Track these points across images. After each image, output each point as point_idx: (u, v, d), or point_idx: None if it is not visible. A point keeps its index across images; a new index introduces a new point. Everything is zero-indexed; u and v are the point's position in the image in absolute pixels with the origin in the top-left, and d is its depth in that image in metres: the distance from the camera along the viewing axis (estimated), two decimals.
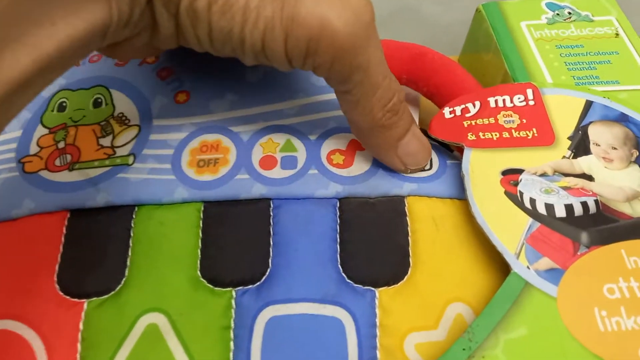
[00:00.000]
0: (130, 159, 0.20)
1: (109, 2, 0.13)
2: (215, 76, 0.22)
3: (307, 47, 0.16)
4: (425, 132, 0.22)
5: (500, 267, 0.18)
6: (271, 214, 0.19)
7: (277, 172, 0.20)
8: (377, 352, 0.17)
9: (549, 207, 0.18)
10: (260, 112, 0.21)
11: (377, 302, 0.18)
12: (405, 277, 0.18)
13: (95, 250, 0.19)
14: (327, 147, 0.21)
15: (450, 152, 0.22)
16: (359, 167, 0.20)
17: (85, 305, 0.18)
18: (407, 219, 0.19)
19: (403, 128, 0.19)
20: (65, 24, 0.12)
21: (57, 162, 0.20)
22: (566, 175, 0.19)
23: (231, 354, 0.17)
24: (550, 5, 0.26)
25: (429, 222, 0.19)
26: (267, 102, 0.21)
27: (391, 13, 0.52)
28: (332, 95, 0.22)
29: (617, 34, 0.24)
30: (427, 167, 0.20)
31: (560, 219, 0.18)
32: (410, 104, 0.27)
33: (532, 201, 0.18)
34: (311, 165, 0.20)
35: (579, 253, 0.17)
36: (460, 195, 0.20)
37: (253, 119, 0.21)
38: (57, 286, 0.18)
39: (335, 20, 0.15)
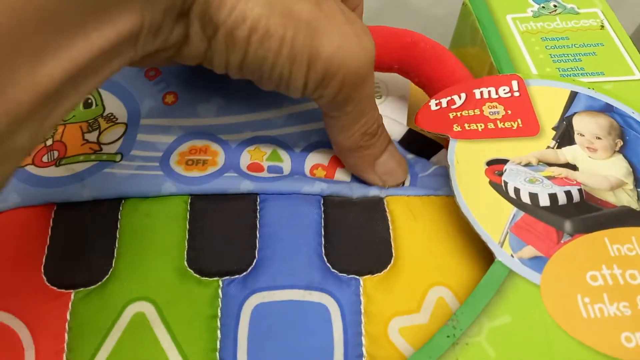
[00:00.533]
0: (118, 157, 0.20)
1: (141, 11, 0.13)
2: (200, 77, 0.22)
3: (323, 79, 0.17)
4: (411, 131, 0.22)
5: (483, 255, 0.18)
6: (258, 207, 0.19)
7: (264, 174, 0.20)
8: (363, 338, 0.17)
9: (533, 197, 0.18)
10: (248, 121, 0.21)
11: (361, 290, 0.18)
12: (389, 266, 0.18)
13: (81, 242, 0.19)
14: (310, 161, 0.21)
15: (439, 147, 0.22)
16: (340, 178, 0.20)
17: (72, 296, 0.18)
18: (387, 214, 0.19)
19: (380, 148, 0.20)
20: (97, 35, 0.12)
21: (45, 159, 0.20)
22: (550, 165, 0.19)
23: (218, 343, 0.17)
24: None
25: (408, 215, 0.19)
26: (253, 109, 0.22)
27: (381, 6, 0.52)
28: (315, 105, 0.22)
29: (602, 26, 0.24)
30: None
31: (544, 208, 0.18)
32: (399, 100, 0.28)
33: (517, 191, 0.18)
34: (296, 174, 0.20)
35: (562, 241, 0.17)
36: (435, 192, 0.20)
37: (241, 127, 0.21)
38: (44, 277, 0.18)
39: (354, 59, 0.16)
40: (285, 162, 0.20)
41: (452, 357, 0.15)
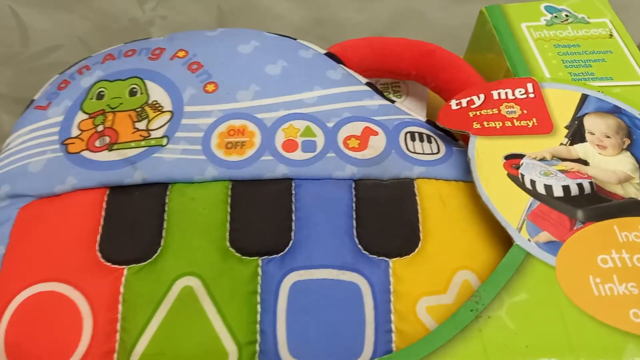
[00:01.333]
0: (164, 141, 0.22)
1: None
2: (240, 70, 0.24)
3: None
4: (433, 123, 0.24)
5: (503, 241, 0.20)
6: (293, 192, 0.21)
7: (298, 155, 0.22)
8: (392, 315, 0.19)
9: (548, 188, 0.20)
10: (282, 101, 0.23)
11: (390, 271, 0.19)
12: (416, 249, 0.20)
13: (132, 222, 0.20)
14: (343, 133, 0.22)
15: (456, 140, 0.24)
16: (372, 151, 0.22)
17: (125, 271, 0.19)
18: (417, 198, 0.21)
19: None
20: None
21: (97, 144, 0.22)
22: (563, 160, 0.21)
23: (258, 316, 0.19)
24: (548, 8, 0.28)
25: (436, 200, 0.21)
26: (287, 92, 0.23)
27: (398, 17, 0.54)
28: (347, 88, 0.24)
29: (610, 35, 0.26)
30: (435, 150, 0.22)
31: (558, 198, 0.20)
32: (419, 99, 0.29)
33: (532, 182, 0.20)
34: (329, 149, 0.22)
35: (575, 228, 0.19)
36: (465, 177, 0.21)
37: (275, 107, 0.23)
38: (99, 254, 0.20)
39: None
40: (319, 136, 0.22)
41: (475, 329, 0.17)
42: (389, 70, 0.28)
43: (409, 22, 0.54)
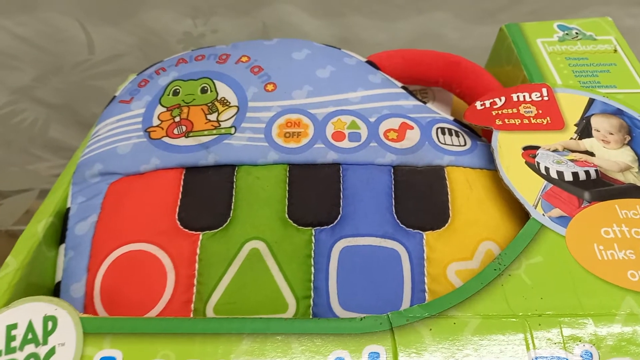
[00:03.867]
0: (232, 130, 0.26)
1: None
2: (295, 73, 0.28)
3: None
4: (459, 121, 0.27)
5: (520, 218, 0.23)
6: (341, 175, 0.25)
7: (345, 144, 0.25)
8: (425, 277, 0.22)
9: (560, 173, 0.23)
10: (331, 100, 0.27)
11: (424, 241, 0.23)
12: (446, 224, 0.23)
13: (206, 196, 0.24)
14: (383, 126, 0.26)
15: (479, 136, 0.27)
16: (409, 142, 0.25)
17: (200, 236, 0.23)
18: (447, 182, 0.25)
19: None
20: None
21: (175, 131, 0.26)
22: (573, 151, 0.24)
23: (312, 275, 0.22)
24: (560, 27, 0.32)
25: (464, 184, 0.24)
26: (335, 92, 0.27)
27: (416, 37, 0.58)
28: (385, 90, 0.28)
29: (615, 50, 0.30)
30: (463, 143, 0.26)
31: (568, 182, 0.23)
32: (445, 103, 0.33)
33: (546, 169, 0.23)
34: (372, 140, 0.25)
35: (582, 206, 0.22)
36: (488, 166, 0.25)
37: (325, 104, 0.27)
38: (178, 222, 0.23)
39: None
40: (363, 129, 0.26)
41: (498, 284, 0.20)
42: (419, 78, 0.32)
43: (427, 42, 0.58)
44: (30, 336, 0.19)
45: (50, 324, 0.19)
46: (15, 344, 0.19)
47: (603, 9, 0.50)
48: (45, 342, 0.19)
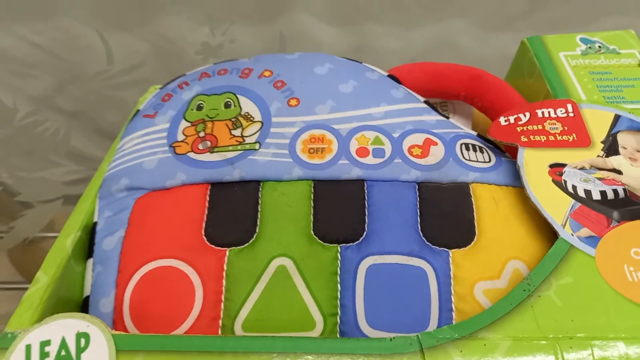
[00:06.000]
0: (257, 146, 0.26)
1: None
2: (317, 88, 0.28)
3: None
4: (483, 137, 0.27)
5: (547, 237, 0.23)
6: (366, 191, 0.25)
7: (370, 160, 0.25)
8: (452, 296, 0.22)
9: (587, 192, 0.23)
10: (354, 115, 0.27)
11: (450, 259, 0.23)
12: (472, 242, 0.23)
13: (232, 212, 0.24)
14: (407, 142, 0.26)
15: (502, 152, 0.27)
16: (433, 158, 0.25)
17: (227, 252, 0.23)
18: (472, 199, 0.24)
19: None
20: None
21: (200, 147, 0.26)
22: (600, 169, 0.24)
23: (338, 293, 0.22)
24: (583, 40, 0.31)
25: (490, 201, 0.24)
26: (358, 107, 0.27)
27: (431, 46, 0.58)
28: (408, 105, 0.28)
29: (639, 64, 0.30)
30: (487, 159, 0.26)
31: (596, 201, 0.23)
32: (465, 117, 0.33)
33: (574, 187, 0.23)
34: (396, 156, 0.25)
35: (611, 225, 0.22)
36: (513, 183, 0.25)
37: (348, 119, 0.27)
38: (204, 238, 0.24)
39: None
40: (387, 145, 0.26)
41: (527, 305, 0.20)
42: (440, 91, 0.32)
43: (443, 50, 0.58)
44: (63, 353, 0.19)
45: (83, 341, 0.19)
46: None
47: (622, 18, 0.49)
48: (78, 359, 0.19)
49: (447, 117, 0.28)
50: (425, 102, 0.29)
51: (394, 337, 0.19)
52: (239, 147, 0.26)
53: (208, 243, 0.23)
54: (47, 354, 0.19)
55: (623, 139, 0.25)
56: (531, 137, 0.25)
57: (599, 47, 0.31)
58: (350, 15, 0.50)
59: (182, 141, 0.26)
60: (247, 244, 0.23)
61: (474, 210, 0.24)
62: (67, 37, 0.49)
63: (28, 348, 0.19)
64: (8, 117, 0.47)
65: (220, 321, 0.22)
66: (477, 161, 0.26)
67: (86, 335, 0.20)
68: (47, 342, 0.19)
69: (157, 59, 0.47)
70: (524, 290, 0.21)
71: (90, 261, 0.24)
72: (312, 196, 0.24)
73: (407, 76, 0.31)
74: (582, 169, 0.24)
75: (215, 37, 0.45)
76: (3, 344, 0.19)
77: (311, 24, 0.49)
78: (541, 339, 0.19)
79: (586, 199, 0.23)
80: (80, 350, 0.19)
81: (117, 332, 0.20)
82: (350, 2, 0.51)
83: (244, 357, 0.19)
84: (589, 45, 0.31)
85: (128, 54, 0.47)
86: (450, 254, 0.23)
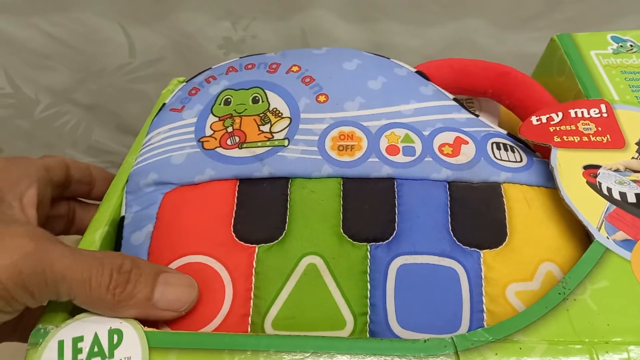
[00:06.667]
0: (286, 142, 0.25)
1: None
2: (346, 84, 0.28)
3: None
4: (513, 135, 0.27)
5: (581, 239, 0.23)
6: (396, 190, 0.24)
7: (400, 158, 0.25)
8: (484, 297, 0.22)
9: (623, 195, 0.23)
10: (383, 112, 0.27)
11: (482, 260, 0.23)
12: (504, 243, 0.23)
13: (261, 209, 0.24)
14: (437, 140, 0.26)
15: (533, 151, 0.27)
16: (464, 157, 0.25)
17: (256, 249, 0.23)
18: (504, 199, 0.24)
19: (145, 288, 0.20)
20: None
21: (229, 142, 0.26)
22: (635, 171, 0.24)
23: (368, 292, 0.22)
24: (614, 38, 0.31)
25: (522, 202, 0.24)
26: (387, 104, 0.27)
27: (449, 43, 0.57)
28: (438, 102, 0.28)
29: None
30: (519, 159, 0.25)
31: (632, 204, 0.23)
32: (491, 114, 0.33)
33: (609, 190, 0.23)
34: (427, 154, 0.25)
35: None
36: (546, 184, 0.25)
37: (378, 116, 0.27)
38: (233, 234, 0.23)
39: None
40: (417, 143, 0.25)
41: (563, 308, 0.20)
42: (467, 88, 0.32)
43: (461, 48, 0.57)
44: (96, 349, 0.19)
45: (115, 337, 0.19)
46: (82, 356, 0.19)
47: (639, 18, 0.49)
48: (111, 356, 0.19)
49: (477, 115, 0.28)
50: (455, 99, 0.28)
51: (428, 339, 0.19)
52: (268, 143, 0.26)
53: (237, 240, 0.23)
54: (79, 350, 0.19)
55: None
56: (564, 137, 0.25)
57: (631, 45, 0.30)
58: (368, 13, 0.50)
59: (210, 136, 0.26)
60: (276, 241, 0.23)
61: (506, 210, 0.24)
62: (85, 30, 0.48)
63: (61, 344, 0.19)
64: (29, 110, 0.47)
65: (250, 318, 0.22)
66: (509, 161, 0.25)
67: (119, 332, 0.20)
68: (79, 338, 0.19)
69: (176, 53, 0.46)
70: (559, 294, 0.20)
71: None
72: (341, 194, 0.24)
73: (435, 73, 0.31)
74: (616, 170, 0.24)
75: (237, 32, 0.45)
76: (36, 339, 0.19)
77: (330, 20, 0.48)
78: (577, 343, 0.19)
79: (621, 202, 0.23)
80: (113, 346, 0.19)
81: (149, 329, 0.20)
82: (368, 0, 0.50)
83: (276, 356, 0.19)
84: (620, 44, 0.31)
85: (147, 47, 0.46)
86: (482, 255, 0.23)
